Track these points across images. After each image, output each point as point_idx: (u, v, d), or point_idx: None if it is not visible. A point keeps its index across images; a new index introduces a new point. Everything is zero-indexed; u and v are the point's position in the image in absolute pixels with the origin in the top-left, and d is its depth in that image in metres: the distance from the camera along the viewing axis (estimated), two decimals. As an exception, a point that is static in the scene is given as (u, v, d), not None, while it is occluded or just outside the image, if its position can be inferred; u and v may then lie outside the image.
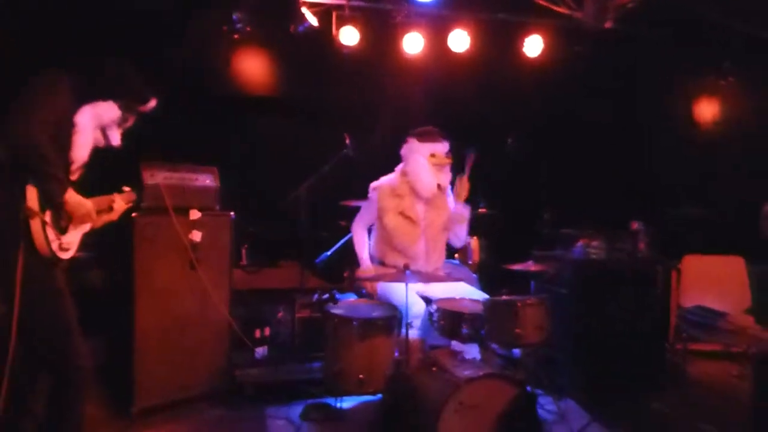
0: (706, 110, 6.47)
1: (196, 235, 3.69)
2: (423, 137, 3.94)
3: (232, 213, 3.93)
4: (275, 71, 5.38)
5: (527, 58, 5.59)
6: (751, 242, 4.29)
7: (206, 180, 3.81)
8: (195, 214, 3.69)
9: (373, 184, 4.06)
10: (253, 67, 5.35)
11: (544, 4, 5.11)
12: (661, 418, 3.71)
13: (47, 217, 2.55)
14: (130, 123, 2.92)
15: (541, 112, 5.62)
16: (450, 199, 4.06)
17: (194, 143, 4.39)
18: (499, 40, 5.59)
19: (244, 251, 5.00)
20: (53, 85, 2.62)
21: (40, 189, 2.51)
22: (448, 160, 3.94)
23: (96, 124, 2.77)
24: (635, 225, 4.21)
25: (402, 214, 3.92)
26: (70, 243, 2.69)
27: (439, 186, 3.95)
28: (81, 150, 2.71)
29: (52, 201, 2.55)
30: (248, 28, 5.01)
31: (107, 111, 2.80)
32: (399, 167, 4.05)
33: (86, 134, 2.71)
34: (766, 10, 5.62)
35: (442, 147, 3.94)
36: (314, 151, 4.74)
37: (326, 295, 4.03)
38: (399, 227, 3.91)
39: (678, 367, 4.35)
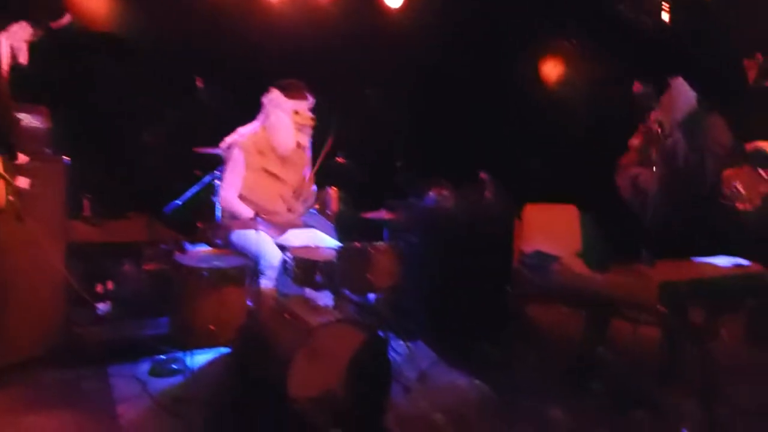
0: (551, 70, 6.89)
1: (23, 182, 3.31)
2: (288, 91, 3.74)
3: (66, 158, 3.59)
4: (119, 5, 4.92)
5: (388, 8, 5.61)
6: (586, 192, 4.66)
7: (33, 120, 3.42)
8: (21, 159, 3.31)
9: (233, 139, 3.78)
10: (92, -1, 4.86)
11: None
12: (501, 356, 4.01)
13: None
14: (36, 38, 2.63)
15: (400, 64, 5.68)
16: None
17: (25, 81, 3.93)
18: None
19: (86, 201, 4.63)
20: None
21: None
22: (312, 122, 3.81)
23: (8, 50, 2.55)
24: (483, 175, 4.42)
25: (265, 170, 3.77)
26: None
27: (298, 144, 3.83)
28: None
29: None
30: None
31: (20, 32, 2.53)
32: (259, 119, 3.84)
33: (3, 65, 2.43)
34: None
35: (306, 104, 3.78)
36: (163, 94, 4.45)
37: (174, 246, 3.85)
38: (261, 184, 3.77)
39: (519, 310, 4.69)
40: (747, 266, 2.63)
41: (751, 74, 3.92)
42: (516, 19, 6.20)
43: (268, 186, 3.79)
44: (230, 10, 5.14)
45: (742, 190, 3.90)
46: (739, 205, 3.88)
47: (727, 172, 2.95)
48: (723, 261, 2.66)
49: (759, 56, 3.87)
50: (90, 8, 4.81)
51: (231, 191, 3.72)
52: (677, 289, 2.37)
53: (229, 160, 3.77)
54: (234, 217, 3.69)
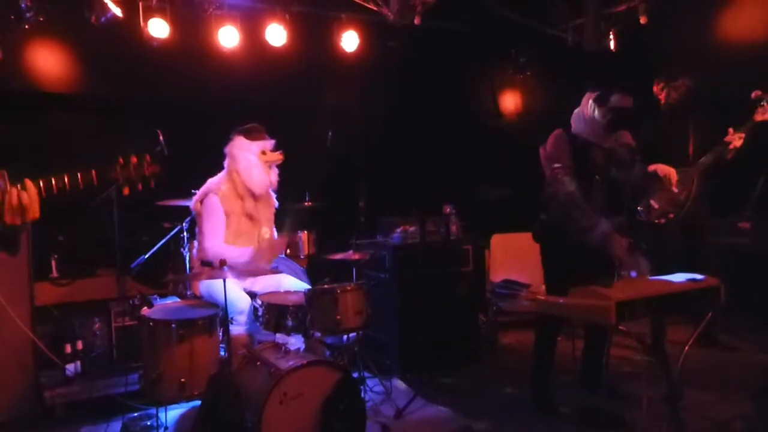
0: (509, 101, 7.10)
1: (-15, 247, 3.29)
2: (251, 135, 3.82)
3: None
4: (75, 65, 4.98)
5: (344, 52, 5.73)
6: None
7: (-7, 184, 3.41)
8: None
9: (207, 188, 3.82)
10: (48, 60, 4.90)
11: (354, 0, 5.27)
12: (476, 385, 4.02)
13: None
14: None
15: (359, 105, 5.79)
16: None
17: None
18: (315, 35, 5.66)
19: (53, 262, 4.58)
20: None
21: None
22: (281, 156, 3.87)
23: None
24: (447, 209, 4.49)
25: (247, 215, 3.81)
26: None
27: (270, 182, 3.88)
28: None
29: None
30: (41, 18, 4.58)
31: None
32: (226, 167, 3.88)
33: None
34: (551, 9, 6.30)
35: (270, 144, 3.88)
36: (123, 149, 4.46)
37: (142, 301, 3.82)
38: (243, 229, 3.80)
39: (490, 338, 4.73)
40: (701, 281, 2.71)
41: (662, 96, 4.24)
42: (472, 54, 6.40)
43: (250, 229, 3.83)
44: (187, 62, 5.22)
45: (656, 205, 4.09)
46: (655, 221, 4.08)
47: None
48: (678, 277, 2.74)
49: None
50: (42, 68, 4.87)
51: (216, 240, 3.72)
52: (633, 308, 2.43)
53: (205, 210, 3.78)
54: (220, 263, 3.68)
